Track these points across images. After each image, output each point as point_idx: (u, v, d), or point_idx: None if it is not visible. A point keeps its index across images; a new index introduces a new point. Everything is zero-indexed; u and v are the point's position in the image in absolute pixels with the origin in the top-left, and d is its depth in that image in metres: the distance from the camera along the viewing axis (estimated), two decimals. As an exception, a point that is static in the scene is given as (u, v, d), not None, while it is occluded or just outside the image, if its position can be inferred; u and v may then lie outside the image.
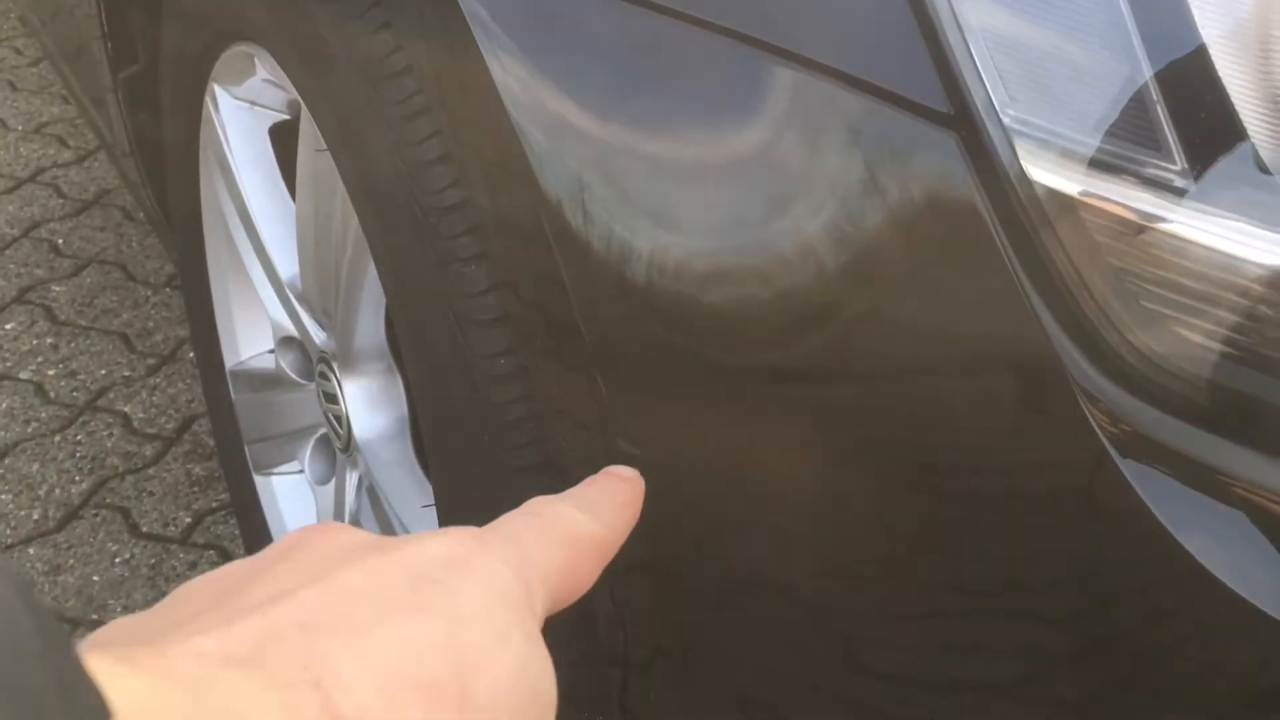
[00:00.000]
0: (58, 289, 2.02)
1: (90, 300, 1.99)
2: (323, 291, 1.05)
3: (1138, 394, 0.50)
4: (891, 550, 0.60)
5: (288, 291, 1.12)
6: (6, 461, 1.65)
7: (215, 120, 1.15)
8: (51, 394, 1.78)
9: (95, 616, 1.43)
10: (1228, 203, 0.48)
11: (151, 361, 1.86)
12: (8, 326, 1.92)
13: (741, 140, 0.58)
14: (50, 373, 1.83)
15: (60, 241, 2.14)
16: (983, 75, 0.51)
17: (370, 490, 1.04)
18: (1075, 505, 0.51)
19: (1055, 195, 0.50)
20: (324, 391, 1.10)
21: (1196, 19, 0.49)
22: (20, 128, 2.52)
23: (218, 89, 1.13)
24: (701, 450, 0.67)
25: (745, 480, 0.66)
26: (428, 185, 0.75)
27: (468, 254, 0.74)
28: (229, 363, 1.30)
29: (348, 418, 1.06)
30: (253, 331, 1.28)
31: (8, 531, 1.54)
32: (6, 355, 1.85)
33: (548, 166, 0.66)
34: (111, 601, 1.45)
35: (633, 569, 0.73)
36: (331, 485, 1.16)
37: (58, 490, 1.61)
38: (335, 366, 1.07)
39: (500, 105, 0.66)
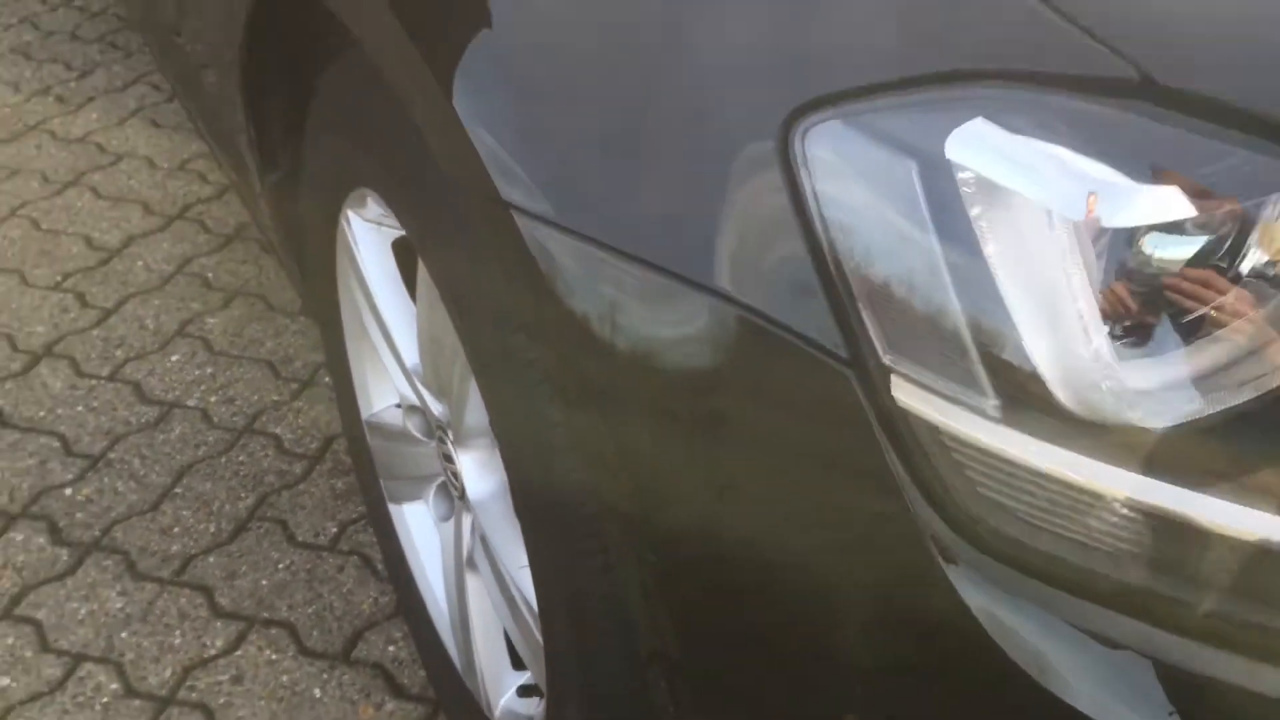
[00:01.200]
0: (211, 321, 2.35)
1: (240, 330, 2.33)
2: (439, 383, 1.34)
3: (986, 553, 0.76)
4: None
5: (410, 374, 1.42)
6: (185, 482, 1.99)
7: (349, 234, 1.44)
8: (215, 419, 2.12)
9: (266, 615, 1.76)
10: (1028, 427, 0.74)
11: (294, 386, 2.19)
12: (174, 358, 2.26)
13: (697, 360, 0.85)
14: (212, 399, 2.17)
15: (210, 275, 2.48)
16: (870, 331, 0.77)
17: (483, 536, 1.34)
18: (932, 637, 0.78)
19: (917, 416, 0.76)
20: (442, 452, 1.40)
21: (1004, 294, 0.74)
22: (166, 165, 2.86)
23: (350, 212, 1.42)
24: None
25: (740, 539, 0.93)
26: (513, 345, 1.03)
27: (545, 396, 1.02)
28: (364, 413, 1.61)
29: (460, 476, 1.35)
30: (383, 391, 1.58)
31: (190, 544, 1.88)
32: (175, 385, 2.20)
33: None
34: (278, 602, 1.78)
35: (668, 577, 1.00)
36: (451, 524, 1.46)
37: (227, 506, 1.95)
38: (450, 434, 1.36)
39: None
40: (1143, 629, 0.75)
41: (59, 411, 2.14)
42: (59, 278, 2.48)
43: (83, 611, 1.77)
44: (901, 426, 0.76)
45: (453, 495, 1.43)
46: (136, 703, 1.65)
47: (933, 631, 0.79)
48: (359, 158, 1.31)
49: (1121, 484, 0.73)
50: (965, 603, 0.76)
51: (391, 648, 1.72)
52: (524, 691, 1.41)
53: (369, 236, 1.42)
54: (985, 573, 0.76)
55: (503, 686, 1.43)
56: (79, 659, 1.70)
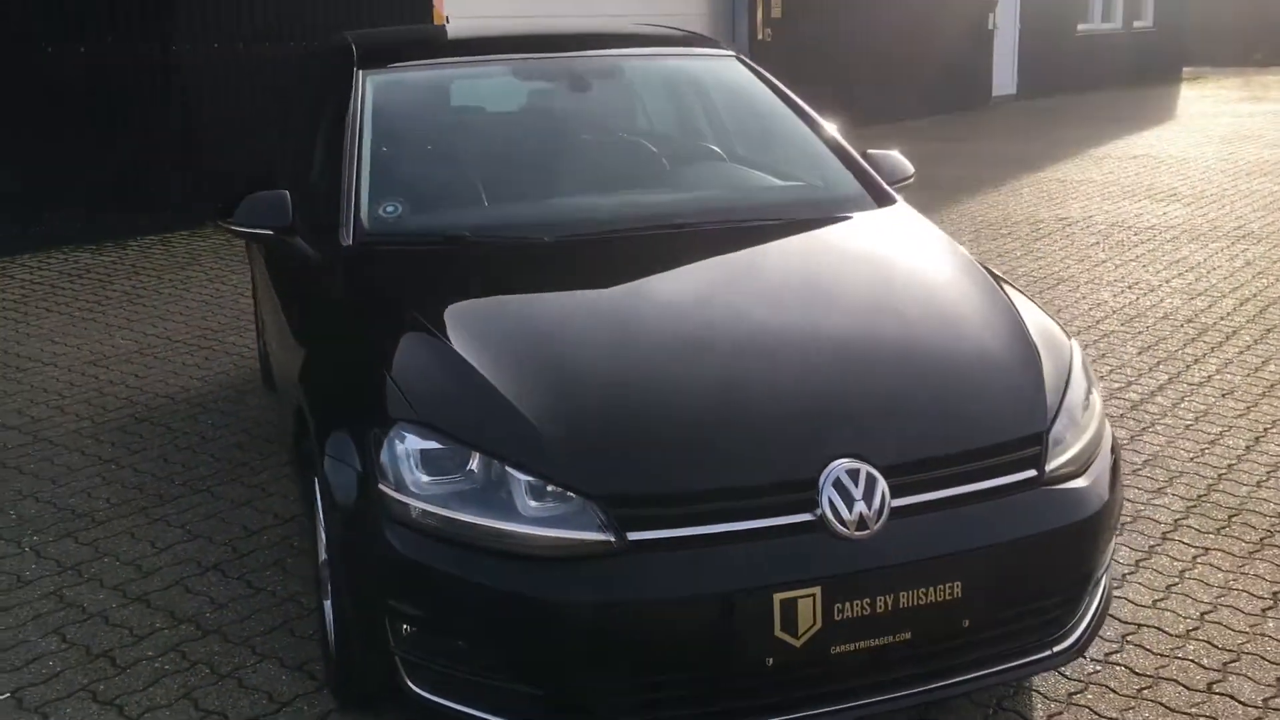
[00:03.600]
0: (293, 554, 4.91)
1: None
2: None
3: (399, 523, 3.21)
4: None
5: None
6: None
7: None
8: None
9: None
10: (401, 493, 3.25)
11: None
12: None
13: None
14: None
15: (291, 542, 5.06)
16: (376, 473, 3.30)
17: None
18: (382, 550, 3.25)
19: (387, 493, 3.28)
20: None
21: (408, 466, 3.28)
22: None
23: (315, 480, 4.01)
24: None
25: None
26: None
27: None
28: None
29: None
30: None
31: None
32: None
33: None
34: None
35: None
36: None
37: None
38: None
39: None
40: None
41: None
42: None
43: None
44: (383, 493, 3.25)
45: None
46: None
47: (382, 548, 3.22)
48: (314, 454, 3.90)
49: (416, 502, 3.20)
50: (389, 538, 3.21)
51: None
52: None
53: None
54: (394, 529, 3.21)
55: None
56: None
